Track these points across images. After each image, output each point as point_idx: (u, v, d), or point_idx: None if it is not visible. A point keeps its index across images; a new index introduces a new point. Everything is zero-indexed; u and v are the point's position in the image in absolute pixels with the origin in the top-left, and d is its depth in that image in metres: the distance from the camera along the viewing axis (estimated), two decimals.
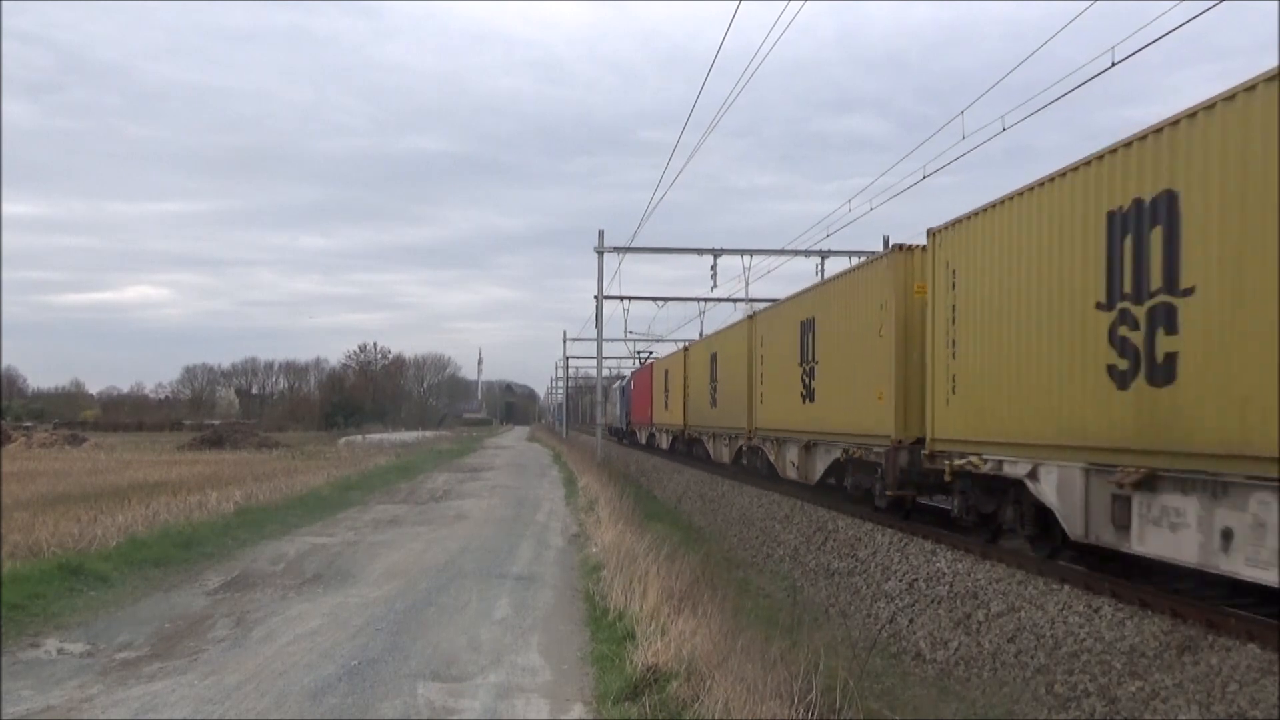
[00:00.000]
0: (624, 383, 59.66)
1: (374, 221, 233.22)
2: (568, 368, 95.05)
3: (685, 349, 35.45)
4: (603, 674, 7.33)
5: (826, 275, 26.47)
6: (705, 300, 41.72)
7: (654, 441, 44.26)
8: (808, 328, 19.33)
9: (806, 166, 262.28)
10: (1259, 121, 7.62)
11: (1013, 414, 11.39)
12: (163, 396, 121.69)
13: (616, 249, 35.18)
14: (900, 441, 14.63)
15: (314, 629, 8.93)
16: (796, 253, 33.74)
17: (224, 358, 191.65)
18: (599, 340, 39.56)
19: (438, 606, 9.98)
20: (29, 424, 73.51)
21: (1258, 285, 7.60)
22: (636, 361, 56.40)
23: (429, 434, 76.59)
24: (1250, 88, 7.74)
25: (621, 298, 39.62)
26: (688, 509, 25.11)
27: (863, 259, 18.35)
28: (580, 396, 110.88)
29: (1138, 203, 9.10)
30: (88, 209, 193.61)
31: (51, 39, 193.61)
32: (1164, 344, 8.73)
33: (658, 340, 54.29)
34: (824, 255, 32.92)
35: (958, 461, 12.69)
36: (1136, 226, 9.10)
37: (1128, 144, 9.29)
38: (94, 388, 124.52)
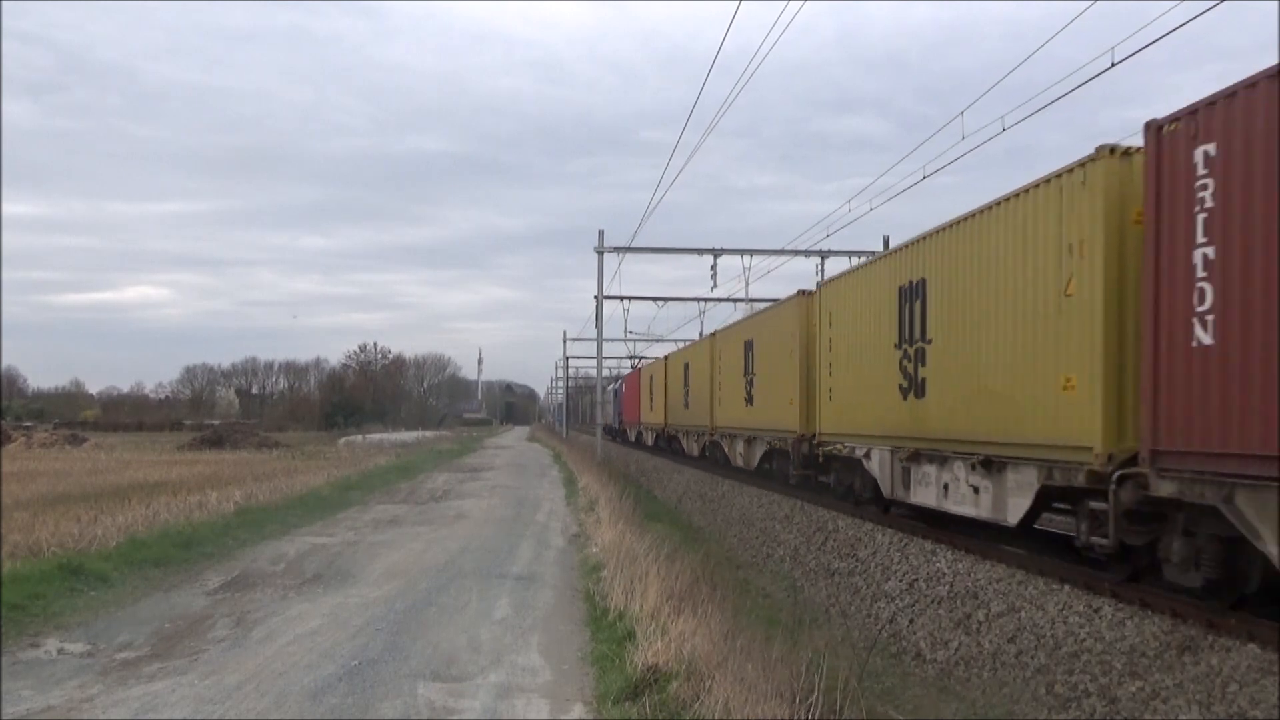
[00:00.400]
0: (617, 385, 65.33)
1: (374, 221, 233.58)
2: (568, 368, 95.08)
3: (665, 359, 40.56)
4: (603, 674, 7.32)
5: (826, 275, 27.52)
6: (705, 300, 41.75)
7: (641, 438, 49.18)
8: (749, 347, 24.23)
9: (806, 166, 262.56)
10: (962, 239, 12.48)
11: (859, 415, 16.33)
12: (163, 396, 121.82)
13: (616, 249, 35.16)
14: (803, 435, 19.51)
15: (314, 629, 8.93)
16: (796, 253, 33.73)
17: (224, 358, 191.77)
18: (599, 340, 39.55)
19: (438, 606, 9.98)
20: (29, 424, 73.52)
21: (956, 340, 12.62)
22: (631, 363, 57.23)
23: (429, 434, 76.54)
24: (964, 219, 12.40)
25: (621, 298, 39.66)
26: (688, 509, 25.10)
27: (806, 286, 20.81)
28: (580, 396, 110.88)
29: (910, 283, 14.09)
30: (88, 209, 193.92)
31: (52, 39, 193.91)
32: (921, 373, 13.72)
33: (658, 340, 54.47)
34: (824, 255, 32.90)
35: (828, 448, 17.94)
36: (910, 297, 14.11)
37: (907, 245, 14.29)
38: (94, 388, 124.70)
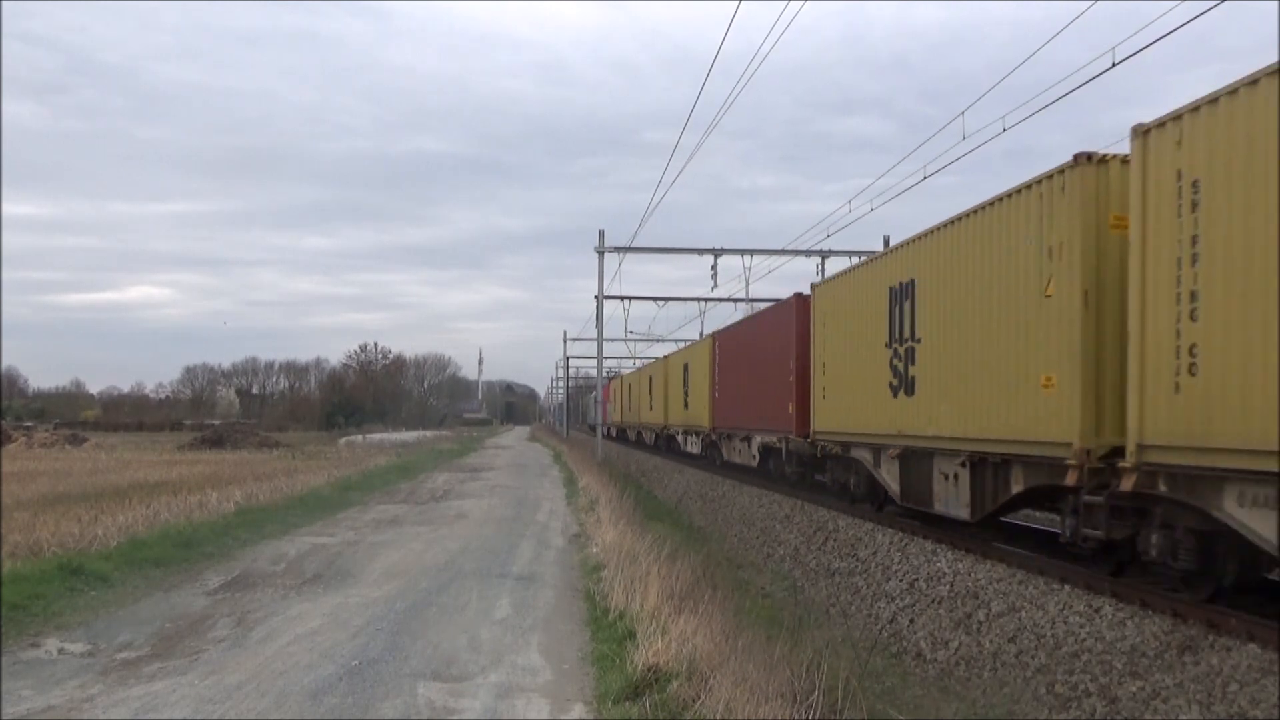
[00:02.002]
0: (597, 393, 73.34)
1: (376, 222, 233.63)
2: (568, 368, 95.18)
3: (623, 378, 59.65)
4: (603, 674, 7.32)
5: (823, 276, 28.68)
6: (705, 300, 41.79)
7: (610, 432, 66.11)
8: (651, 380, 41.94)
9: (809, 167, 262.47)
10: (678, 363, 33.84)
11: (655, 416, 39.98)
12: (163, 396, 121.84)
13: (617, 249, 35.19)
14: (665, 425, 37.77)
15: (314, 629, 8.93)
16: (797, 253, 33.76)
17: (224, 358, 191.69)
18: (599, 340, 39.57)
19: (438, 606, 9.98)
20: (29, 424, 73.61)
21: (696, 378, 30.97)
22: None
23: (429, 434, 76.60)
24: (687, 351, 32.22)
25: (622, 298, 39.68)
26: (688, 509, 25.11)
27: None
28: (580, 396, 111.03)
29: (684, 365, 33.41)
30: (91, 209, 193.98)
31: (59, 41, 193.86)
32: (686, 399, 32.77)
33: (658, 340, 54.80)
34: (824, 255, 32.92)
35: (670, 432, 37.47)
36: (686, 374, 32.96)
37: (669, 356, 40.20)
38: (94, 388, 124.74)
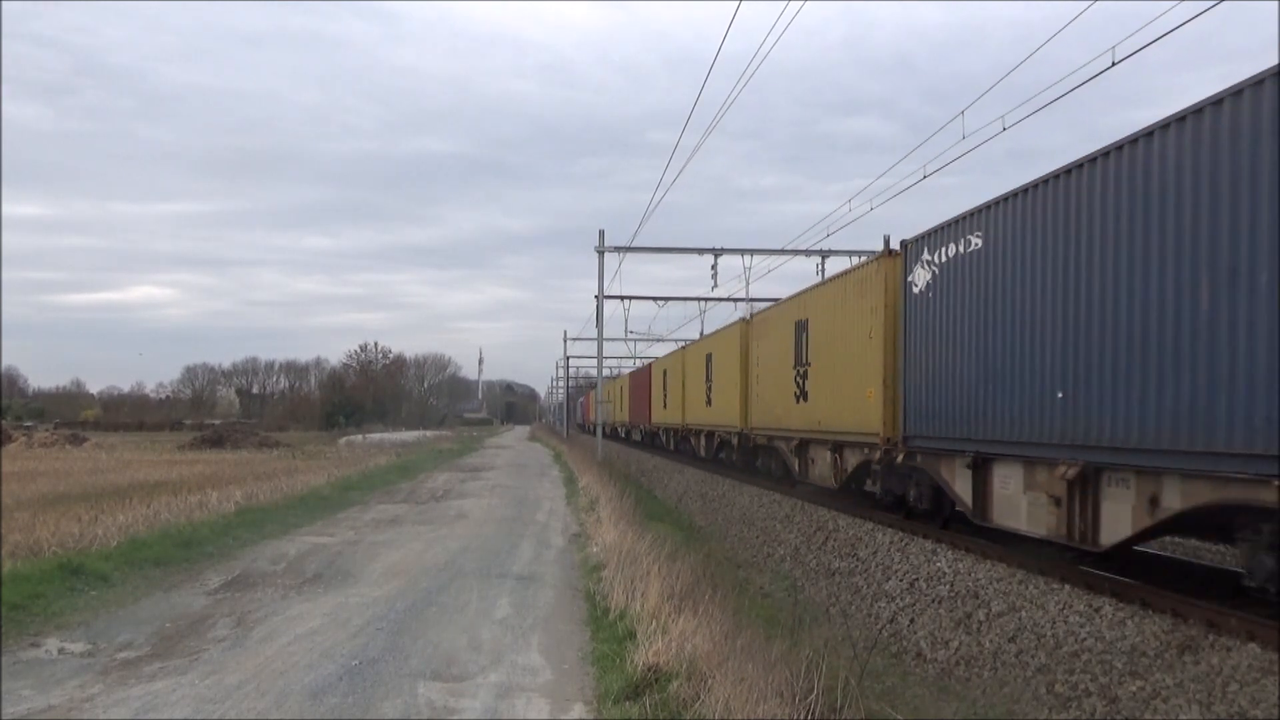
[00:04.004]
0: (583, 398, 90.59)
1: (379, 222, 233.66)
2: (568, 367, 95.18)
3: (593, 387, 68.21)
4: (603, 674, 7.32)
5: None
6: (705, 300, 41.75)
7: (588, 428, 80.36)
8: (608, 390, 56.13)
9: (811, 168, 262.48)
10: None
11: (613, 416, 61.03)
12: (163, 396, 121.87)
13: (617, 248, 35.15)
14: (618, 421, 60.14)
15: (314, 629, 8.93)
16: (796, 252, 33.73)
17: (225, 357, 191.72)
18: (599, 340, 39.54)
19: (438, 606, 9.98)
20: (30, 424, 73.68)
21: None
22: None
23: (429, 434, 76.66)
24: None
25: (622, 297, 39.58)
26: (688, 509, 25.11)
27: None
28: (580, 396, 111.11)
29: (622, 388, 58.91)
30: (94, 209, 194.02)
31: (67, 42, 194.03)
32: (624, 406, 56.59)
33: (658, 340, 54.84)
34: (824, 255, 32.88)
35: (617, 425, 60.98)
36: (619, 390, 60.43)
37: (612, 381, 65.45)
38: (95, 387, 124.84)
